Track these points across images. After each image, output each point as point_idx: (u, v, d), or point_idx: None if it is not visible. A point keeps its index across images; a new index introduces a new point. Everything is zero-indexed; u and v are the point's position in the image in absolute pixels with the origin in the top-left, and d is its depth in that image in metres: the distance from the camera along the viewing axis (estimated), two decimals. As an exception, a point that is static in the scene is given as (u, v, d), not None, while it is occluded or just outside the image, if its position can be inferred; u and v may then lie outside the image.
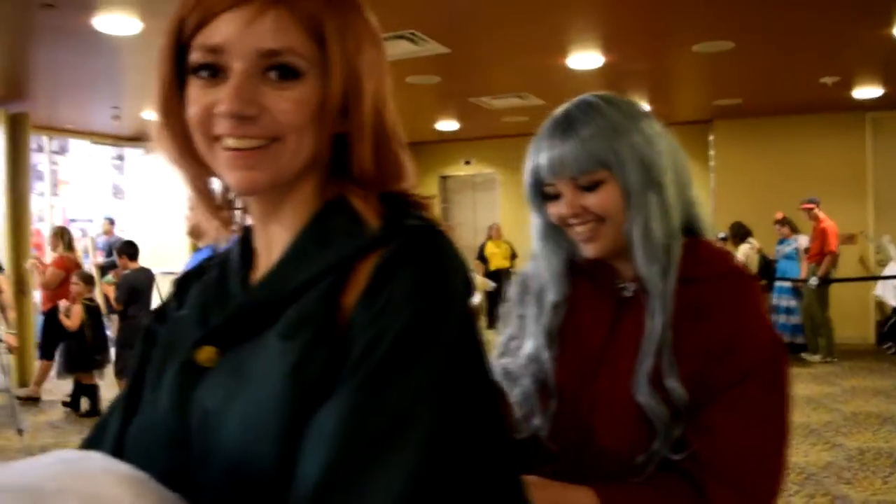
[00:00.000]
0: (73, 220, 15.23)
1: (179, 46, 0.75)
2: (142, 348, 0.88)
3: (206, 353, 0.76)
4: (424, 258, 0.71)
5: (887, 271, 8.77)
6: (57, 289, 6.92)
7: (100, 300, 6.52)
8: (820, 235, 8.49)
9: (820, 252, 8.44)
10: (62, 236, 7.34)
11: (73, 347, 6.44)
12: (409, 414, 0.65)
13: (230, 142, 0.72)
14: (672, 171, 1.14)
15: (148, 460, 0.72)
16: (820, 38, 6.11)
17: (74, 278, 6.63)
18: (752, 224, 8.63)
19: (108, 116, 8.75)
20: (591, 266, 1.19)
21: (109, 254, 8.34)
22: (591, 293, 1.20)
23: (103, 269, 9.29)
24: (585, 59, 6.53)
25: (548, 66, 6.71)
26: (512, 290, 1.32)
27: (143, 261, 6.72)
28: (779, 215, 8.65)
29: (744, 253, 8.24)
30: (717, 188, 9.91)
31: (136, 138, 10.20)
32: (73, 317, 6.36)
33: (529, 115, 8.85)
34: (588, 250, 1.15)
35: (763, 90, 8.11)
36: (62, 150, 14.98)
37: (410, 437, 0.64)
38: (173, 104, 0.76)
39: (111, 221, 12.11)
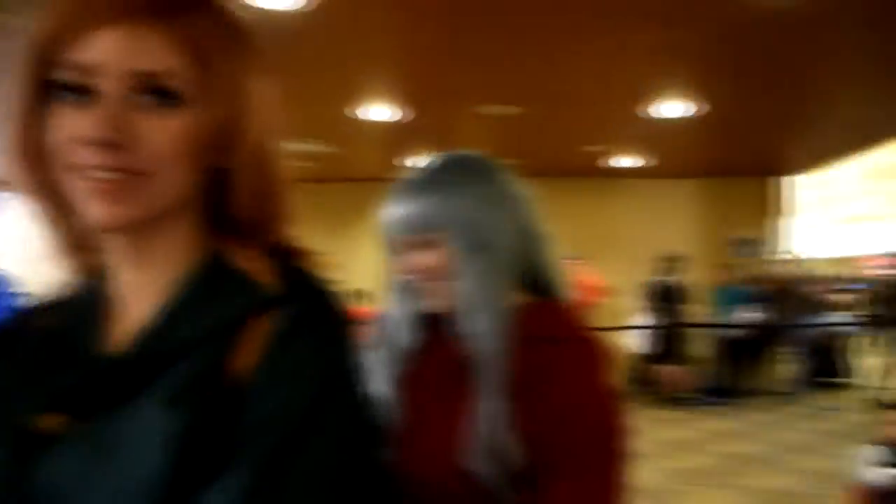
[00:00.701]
0: None
1: (43, 63, 0.65)
2: None
3: (53, 420, 0.65)
4: (327, 327, 0.68)
5: (635, 322, 9.79)
6: None
7: None
8: (580, 289, 9.34)
9: (580, 304, 9.23)
10: None
11: None
12: (310, 497, 0.62)
13: (94, 172, 0.64)
14: (514, 232, 1.16)
15: None
16: (590, 111, 6.85)
17: None
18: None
19: None
20: (444, 319, 1.18)
21: None
22: (443, 345, 1.18)
23: None
24: (379, 112, 6.75)
25: (339, 116, 6.84)
26: (372, 331, 1.29)
27: None
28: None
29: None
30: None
31: None
32: None
33: (317, 162, 8.91)
34: (427, 306, 1.18)
35: (537, 153, 8.82)
36: None
37: None
38: (31, 129, 0.67)
39: None
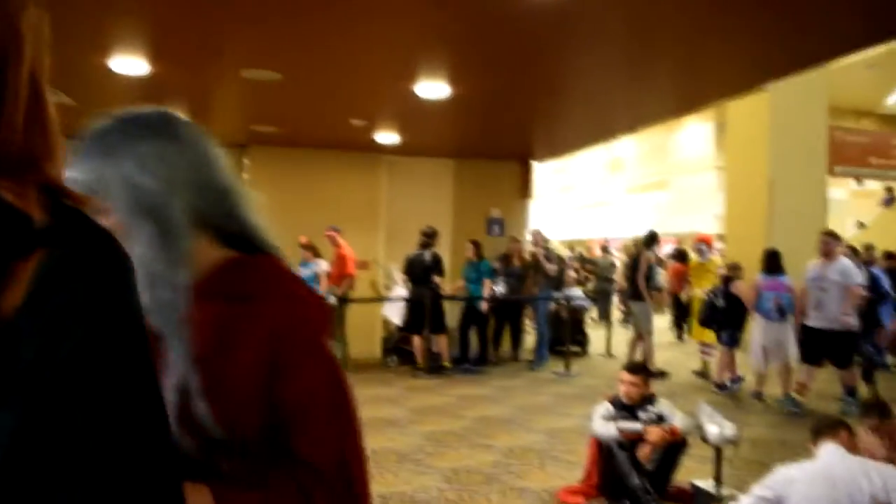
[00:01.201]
0: None
1: None
2: None
3: None
4: (101, 268, 0.64)
5: (392, 294, 10.04)
6: None
7: None
8: (340, 260, 9.41)
9: (339, 275, 9.35)
10: None
11: None
12: (80, 442, 0.59)
13: None
14: (193, 192, 1.10)
15: None
16: (354, 85, 6.83)
17: None
18: (279, 245, 9.08)
19: None
20: None
21: None
22: None
23: None
24: (128, 64, 6.24)
25: (88, 65, 6.25)
26: None
27: None
28: (303, 240, 9.28)
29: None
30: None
31: None
32: None
33: (61, 116, 8.11)
34: None
35: (300, 123, 8.69)
36: None
37: (83, 467, 0.59)
38: None
39: None
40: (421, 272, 9.31)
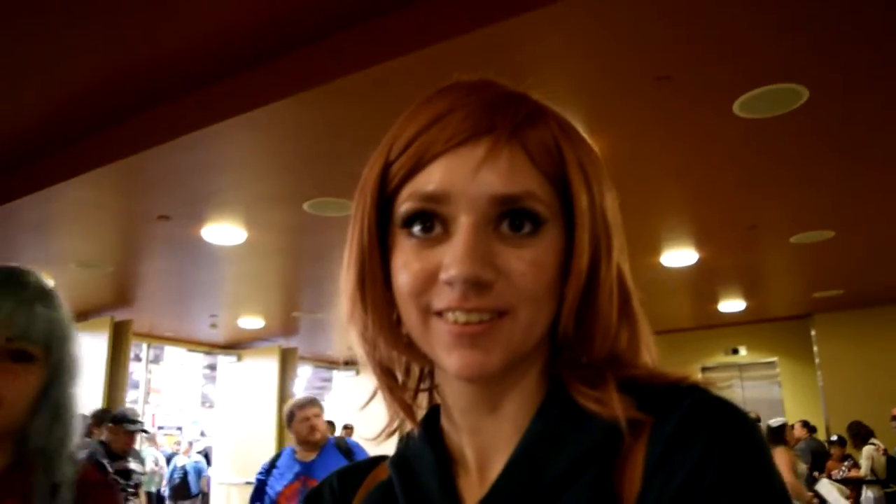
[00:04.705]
0: (161, 428, 15.42)
1: (381, 200, 0.61)
2: None
3: None
4: (722, 419, 0.54)
5: None
6: None
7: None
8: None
9: None
10: None
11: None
12: None
13: (458, 315, 0.57)
14: None
15: None
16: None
17: None
18: (869, 422, 7.98)
19: (205, 325, 9.02)
20: None
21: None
22: None
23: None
24: (679, 256, 6.47)
25: (642, 265, 6.65)
26: None
27: (228, 470, 6.41)
28: (896, 411, 8.00)
29: (868, 455, 7.55)
30: (826, 386, 9.32)
31: (230, 346, 10.44)
32: None
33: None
34: None
35: (865, 279, 7.83)
36: (157, 359, 15.46)
37: None
38: (373, 267, 0.62)
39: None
40: None
